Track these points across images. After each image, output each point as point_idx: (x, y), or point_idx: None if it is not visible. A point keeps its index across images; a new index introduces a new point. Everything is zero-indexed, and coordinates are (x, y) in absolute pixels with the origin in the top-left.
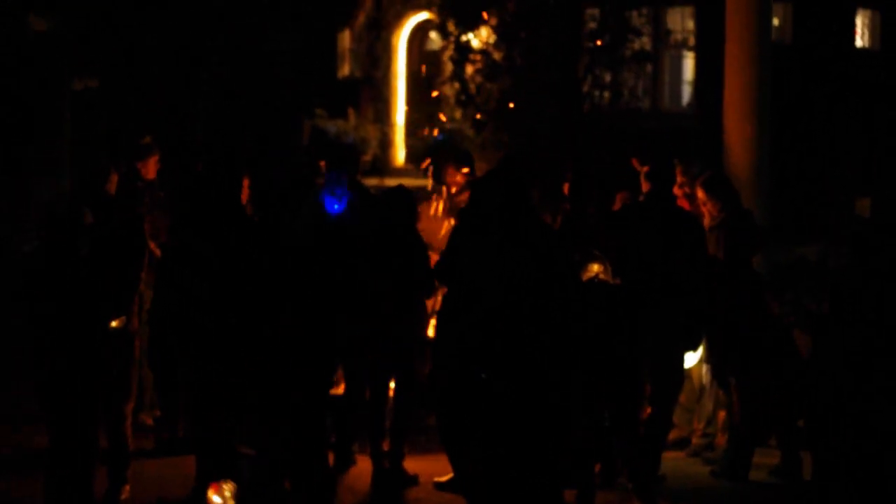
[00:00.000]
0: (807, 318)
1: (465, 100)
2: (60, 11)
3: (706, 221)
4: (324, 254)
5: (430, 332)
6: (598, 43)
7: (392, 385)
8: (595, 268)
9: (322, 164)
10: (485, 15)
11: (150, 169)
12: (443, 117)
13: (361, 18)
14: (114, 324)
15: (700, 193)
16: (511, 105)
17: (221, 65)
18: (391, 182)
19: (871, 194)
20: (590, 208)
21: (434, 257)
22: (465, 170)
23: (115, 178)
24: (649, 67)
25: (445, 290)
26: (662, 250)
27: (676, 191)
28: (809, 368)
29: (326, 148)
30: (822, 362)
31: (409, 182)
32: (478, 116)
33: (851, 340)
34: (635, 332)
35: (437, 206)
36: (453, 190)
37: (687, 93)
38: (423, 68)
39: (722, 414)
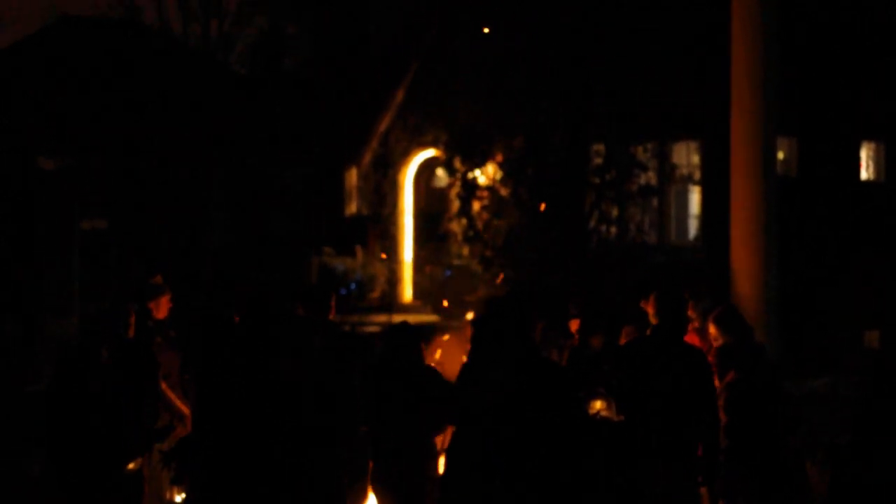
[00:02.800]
0: (828, 449)
1: (473, 236)
2: (68, 152)
3: None
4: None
5: (440, 470)
6: (605, 178)
7: None
8: (598, 405)
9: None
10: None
11: (161, 308)
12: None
13: (368, 156)
14: (130, 466)
15: (712, 329)
16: (518, 241)
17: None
18: (399, 319)
19: (879, 326)
20: (596, 344)
21: None
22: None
23: (133, 320)
24: (655, 202)
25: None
26: (670, 386)
27: None
28: (832, 499)
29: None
30: (846, 492)
31: (417, 318)
32: (486, 253)
33: (876, 469)
34: (637, 469)
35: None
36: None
37: (693, 227)
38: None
39: None
